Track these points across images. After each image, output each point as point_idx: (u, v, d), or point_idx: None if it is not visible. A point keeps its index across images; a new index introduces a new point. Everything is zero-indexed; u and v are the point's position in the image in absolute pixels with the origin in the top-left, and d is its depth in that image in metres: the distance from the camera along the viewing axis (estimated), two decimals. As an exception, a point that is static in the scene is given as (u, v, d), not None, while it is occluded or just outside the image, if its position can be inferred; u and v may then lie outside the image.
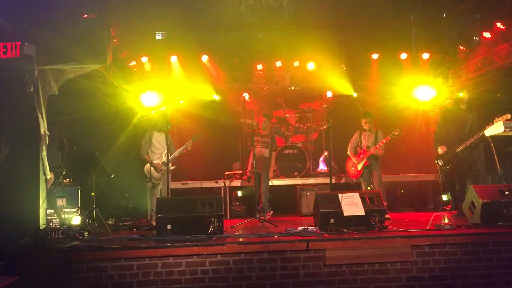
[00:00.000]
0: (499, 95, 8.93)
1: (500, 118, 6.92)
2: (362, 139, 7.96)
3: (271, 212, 8.17)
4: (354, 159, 8.11)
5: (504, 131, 6.97)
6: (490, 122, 7.03)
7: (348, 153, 8.20)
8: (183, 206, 5.86)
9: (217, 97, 10.79)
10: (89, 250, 5.15)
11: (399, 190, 10.02)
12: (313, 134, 10.14)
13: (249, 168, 8.23)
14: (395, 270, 5.23)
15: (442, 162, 7.68)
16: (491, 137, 7.24)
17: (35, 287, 5.30)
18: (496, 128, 7.17)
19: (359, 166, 7.95)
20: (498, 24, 8.48)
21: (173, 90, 10.15)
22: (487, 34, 8.84)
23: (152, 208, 7.48)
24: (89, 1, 6.74)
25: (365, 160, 7.87)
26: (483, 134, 7.09)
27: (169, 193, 7.31)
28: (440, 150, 7.71)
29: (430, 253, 5.27)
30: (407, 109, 10.55)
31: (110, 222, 7.30)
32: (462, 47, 9.76)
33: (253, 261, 5.15)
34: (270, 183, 8.40)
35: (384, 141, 7.72)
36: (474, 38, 9.70)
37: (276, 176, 9.15)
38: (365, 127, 7.96)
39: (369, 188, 7.92)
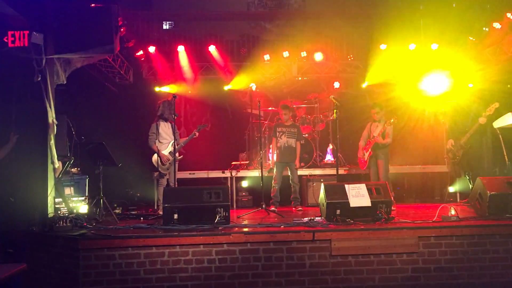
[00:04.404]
0: (509, 86, 8.85)
1: (491, 107, 6.90)
2: (371, 130, 7.94)
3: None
4: (361, 151, 8.10)
5: (513, 123, 6.94)
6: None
7: (359, 144, 8.19)
8: (190, 195, 5.89)
9: (229, 87, 10.78)
10: (97, 238, 5.20)
11: (406, 181, 10.00)
12: (320, 125, 10.11)
13: (273, 160, 8.25)
14: (401, 261, 5.23)
15: (451, 154, 7.65)
16: (500, 129, 7.21)
17: (44, 275, 5.36)
18: (505, 120, 7.15)
19: (365, 157, 7.95)
20: (509, 15, 8.38)
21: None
22: (497, 25, 8.75)
23: (159, 197, 7.52)
24: (96, -10, 6.74)
25: (369, 150, 7.85)
26: (480, 124, 7.06)
27: (176, 183, 7.34)
28: (448, 144, 7.69)
29: (436, 245, 5.27)
30: (415, 100, 10.49)
31: (117, 211, 7.35)
32: (471, 38, 9.67)
33: (259, 251, 5.17)
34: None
35: (382, 130, 7.69)
36: (484, 28, 9.58)
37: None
38: (374, 118, 7.93)
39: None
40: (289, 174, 8.02)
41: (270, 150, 9.31)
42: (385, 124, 7.65)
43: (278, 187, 7.92)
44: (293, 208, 7.81)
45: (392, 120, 7.56)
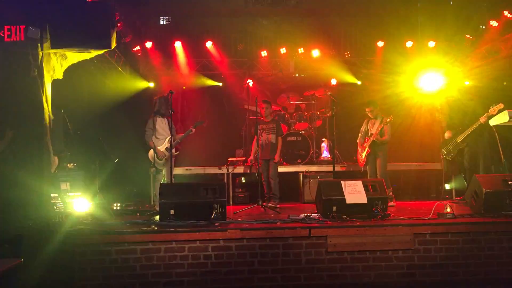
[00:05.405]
0: (505, 83, 8.88)
1: (495, 107, 6.88)
2: (369, 127, 7.95)
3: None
4: (359, 148, 8.12)
5: (509, 121, 6.96)
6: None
7: (357, 141, 8.20)
8: (186, 191, 5.88)
9: (219, 83, 10.82)
10: (93, 234, 5.20)
11: (402, 178, 10.03)
12: (316, 122, 10.13)
13: (251, 157, 8.25)
14: (397, 257, 5.25)
15: (445, 151, 7.67)
16: (496, 126, 7.22)
17: (40, 270, 5.35)
18: (501, 118, 7.16)
19: (363, 155, 7.97)
20: (506, 13, 8.40)
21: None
22: (494, 23, 8.77)
23: (156, 193, 7.50)
24: (93, -15, 6.70)
25: (367, 148, 7.86)
26: (481, 123, 7.06)
27: (173, 179, 7.34)
28: (446, 135, 7.68)
29: (431, 242, 5.28)
30: (412, 97, 10.52)
31: (113, 207, 7.33)
32: (468, 36, 9.69)
33: (255, 247, 5.18)
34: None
35: (378, 128, 7.70)
36: (481, 26, 9.60)
37: (279, 163, 9.15)
38: (370, 115, 7.94)
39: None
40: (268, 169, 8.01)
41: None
42: (382, 123, 7.66)
43: (267, 184, 7.93)
44: (269, 203, 7.65)
45: (389, 120, 7.58)
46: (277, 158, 8.01)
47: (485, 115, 7.00)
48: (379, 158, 7.77)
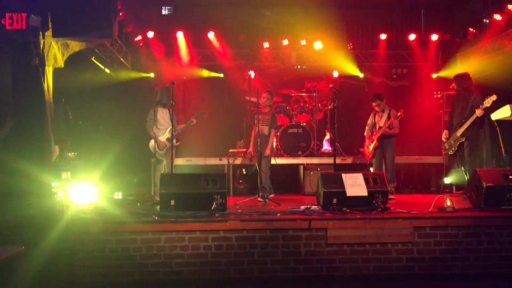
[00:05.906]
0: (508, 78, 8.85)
1: (489, 99, 6.86)
2: (376, 120, 7.94)
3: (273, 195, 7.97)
4: (366, 141, 8.11)
5: (511, 115, 6.94)
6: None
7: (365, 134, 8.19)
8: (186, 182, 5.88)
9: (221, 74, 10.82)
10: (93, 223, 5.20)
11: (403, 172, 10.03)
12: (318, 114, 10.10)
13: (250, 148, 8.22)
14: (396, 250, 5.26)
15: (447, 145, 7.66)
16: (498, 120, 7.20)
17: (41, 258, 5.37)
18: (503, 112, 7.14)
19: (370, 147, 7.97)
20: (510, 7, 8.36)
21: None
22: (497, 17, 8.72)
23: (156, 183, 7.51)
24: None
25: (375, 141, 7.85)
26: (477, 116, 7.03)
27: (173, 169, 7.34)
28: (443, 136, 7.69)
29: (431, 235, 5.29)
30: (414, 91, 10.51)
31: (114, 196, 7.35)
32: (471, 29, 9.65)
33: (255, 238, 5.19)
34: (273, 162, 8.36)
35: (388, 123, 7.69)
36: (484, 20, 9.57)
37: (279, 155, 9.15)
38: (377, 109, 7.92)
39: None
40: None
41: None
42: (391, 117, 7.65)
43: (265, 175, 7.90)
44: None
45: (399, 114, 7.57)
46: (267, 151, 7.91)
47: (480, 107, 6.98)
48: (387, 152, 7.79)
